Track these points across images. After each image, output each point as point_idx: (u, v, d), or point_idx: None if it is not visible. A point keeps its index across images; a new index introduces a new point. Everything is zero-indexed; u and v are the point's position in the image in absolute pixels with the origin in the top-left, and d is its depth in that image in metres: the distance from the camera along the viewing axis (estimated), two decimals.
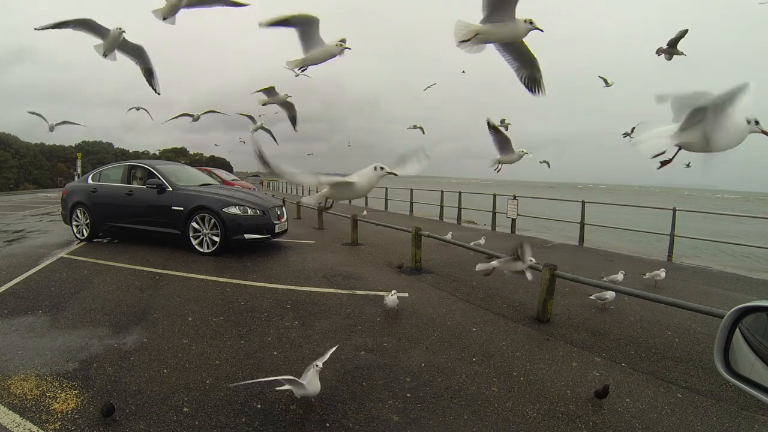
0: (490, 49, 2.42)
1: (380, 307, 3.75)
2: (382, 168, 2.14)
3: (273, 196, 11.25)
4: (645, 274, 5.23)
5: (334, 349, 2.53)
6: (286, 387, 2.25)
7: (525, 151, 3.03)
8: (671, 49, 4.11)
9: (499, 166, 3.14)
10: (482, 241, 6.87)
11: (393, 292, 3.75)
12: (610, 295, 4.06)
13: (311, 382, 2.21)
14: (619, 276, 4.68)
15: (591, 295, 4.23)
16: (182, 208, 6.28)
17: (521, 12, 2.20)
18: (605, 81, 6.27)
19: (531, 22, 2.23)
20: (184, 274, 5.05)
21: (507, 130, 3.67)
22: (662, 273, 5.09)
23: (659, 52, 4.27)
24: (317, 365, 2.26)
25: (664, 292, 4.84)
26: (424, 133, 8.00)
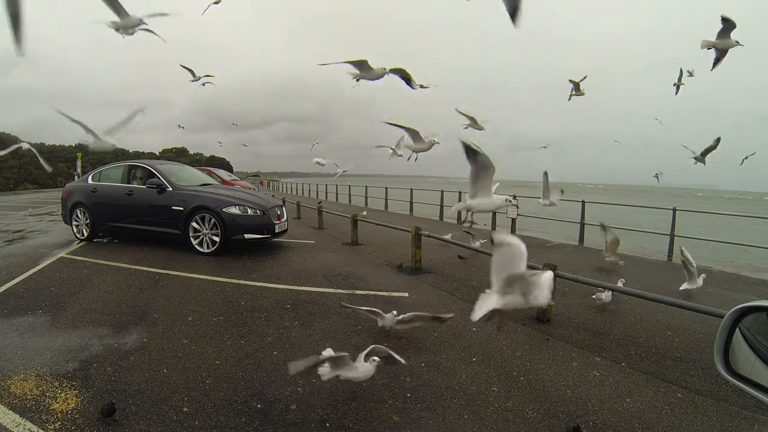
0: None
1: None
2: (514, 197, 2.40)
3: (273, 196, 11.25)
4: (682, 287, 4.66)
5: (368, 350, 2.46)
6: (328, 368, 2.27)
7: (436, 141, 2.97)
8: None
9: (414, 155, 3.16)
10: (481, 241, 6.87)
11: (394, 312, 3.32)
12: (610, 294, 4.05)
13: (365, 369, 2.29)
14: (618, 284, 4.53)
15: (591, 295, 4.23)
16: (182, 208, 6.28)
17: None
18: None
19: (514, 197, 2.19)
20: (184, 274, 5.05)
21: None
22: (700, 280, 4.62)
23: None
24: (375, 359, 2.32)
25: (664, 292, 4.83)
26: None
